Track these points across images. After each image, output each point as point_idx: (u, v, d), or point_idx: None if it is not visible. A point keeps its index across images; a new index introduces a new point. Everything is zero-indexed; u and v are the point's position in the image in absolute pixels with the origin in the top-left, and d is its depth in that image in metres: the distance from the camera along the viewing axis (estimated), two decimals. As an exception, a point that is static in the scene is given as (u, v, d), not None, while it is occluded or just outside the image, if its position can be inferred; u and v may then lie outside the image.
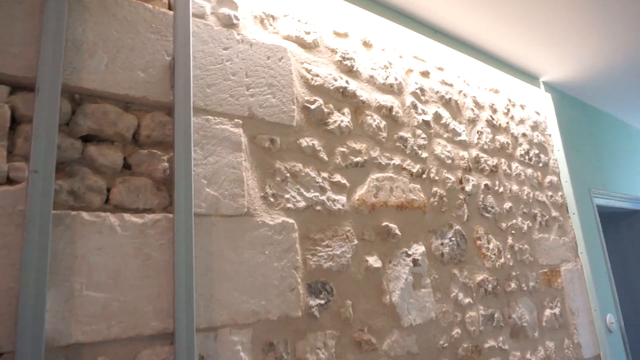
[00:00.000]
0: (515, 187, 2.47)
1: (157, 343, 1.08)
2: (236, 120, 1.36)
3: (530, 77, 2.89)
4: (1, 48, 1.01)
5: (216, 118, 1.31)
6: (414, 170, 1.87)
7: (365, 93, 1.79)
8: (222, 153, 1.29)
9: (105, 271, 1.04)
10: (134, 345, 1.05)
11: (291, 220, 1.39)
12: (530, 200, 2.55)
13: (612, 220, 4.00)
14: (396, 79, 1.95)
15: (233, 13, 1.46)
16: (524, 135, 2.71)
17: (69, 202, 1.04)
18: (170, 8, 1.32)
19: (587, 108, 3.47)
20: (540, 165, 2.76)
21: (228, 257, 1.23)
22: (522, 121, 2.74)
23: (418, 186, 1.87)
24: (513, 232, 2.33)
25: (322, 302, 1.40)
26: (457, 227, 1.99)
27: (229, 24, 1.44)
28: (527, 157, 2.66)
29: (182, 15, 1.29)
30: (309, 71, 1.61)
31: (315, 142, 1.54)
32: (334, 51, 1.73)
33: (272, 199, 1.37)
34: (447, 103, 2.20)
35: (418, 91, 2.05)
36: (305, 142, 1.51)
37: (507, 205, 2.36)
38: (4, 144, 0.98)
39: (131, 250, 1.08)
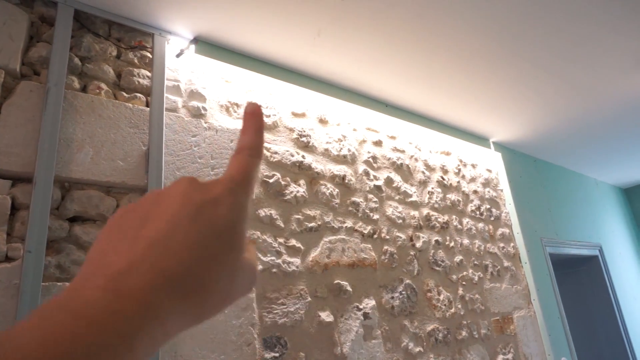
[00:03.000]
0: (466, 241, 2.72)
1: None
2: (202, 197, 1.59)
3: (480, 139, 3.21)
4: (5, 150, 1.25)
5: (184, 196, 1.55)
6: (365, 231, 2.12)
7: (320, 165, 2.06)
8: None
9: (84, 333, 1.24)
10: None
11: (249, 282, 1.61)
12: (482, 252, 2.80)
13: (570, 266, 4.25)
14: (349, 150, 2.22)
15: (201, 105, 1.73)
16: (475, 192, 2.99)
17: (56, 274, 1.25)
18: (147, 105, 1.59)
19: (538, 162, 3.79)
20: (492, 219, 3.03)
21: (192, 317, 1.43)
22: (473, 179, 3.03)
23: (369, 245, 2.11)
24: (464, 283, 2.56)
25: (277, 354, 1.60)
26: (408, 281, 2.22)
27: (197, 114, 1.71)
28: (478, 212, 2.93)
29: (157, 110, 1.56)
30: (268, 150, 1.88)
31: (273, 212, 1.79)
32: (292, 130, 2.01)
33: (232, 264, 1.59)
34: (398, 168, 2.48)
35: (370, 159, 2.33)
36: (263, 212, 1.76)
37: (458, 258, 2.60)
38: (4, 228, 1.20)
39: (107, 314, 1.28)
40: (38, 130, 1.32)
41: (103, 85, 1.51)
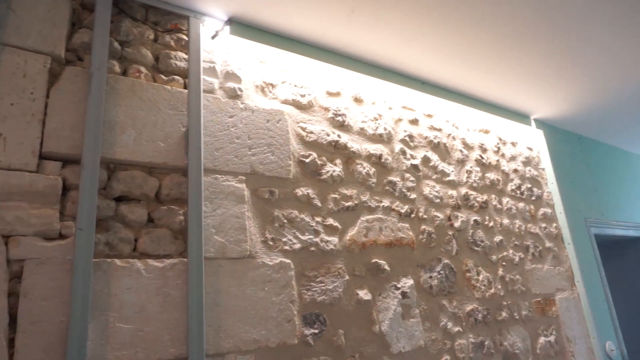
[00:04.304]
0: (506, 221, 2.65)
1: (174, 366, 1.31)
2: (240, 177, 1.62)
3: (520, 116, 3.10)
4: (55, 133, 1.31)
5: (223, 176, 1.58)
6: (403, 211, 2.10)
7: (356, 144, 2.04)
8: (228, 205, 1.55)
9: (132, 307, 1.29)
10: (155, 367, 1.28)
11: (288, 261, 1.63)
12: (523, 232, 2.73)
13: (617, 248, 4.08)
14: (385, 129, 2.20)
15: (237, 86, 1.74)
16: (515, 171, 2.90)
17: (105, 251, 1.31)
18: (185, 87, 1.61)
19: (583, 140, 3.63)
20: (533, 198, 2.94)
21: (233, 294, 1.47)
22: (513, 158, 2.94)
23: (407, 225, 2.09)
24: (504, 263, 2.50)
25: (316, 331, 1.62)
26: (446, 261, 2.19)
27: (234, 95, 1.72)
28: (518, 192, 2.84)
29: (194, 92, 1.58)
30: (304, 129, 1.88)
31: (310, 191, 1.79)
32: (327, 109, 2.00)
33: (271, 243, 1.62)
34: (435, 147, 2.43)
35: (407, 138, 2.29)
36: (300, 191, 1.76)
37: (498, 238, 2.54)
38: (57, 207, 1.26)
39: (153, 290, 1.33)
40: (84, 113, 1.37)
41: (142, 69, 1.55)
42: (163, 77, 1.59)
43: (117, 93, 1.45)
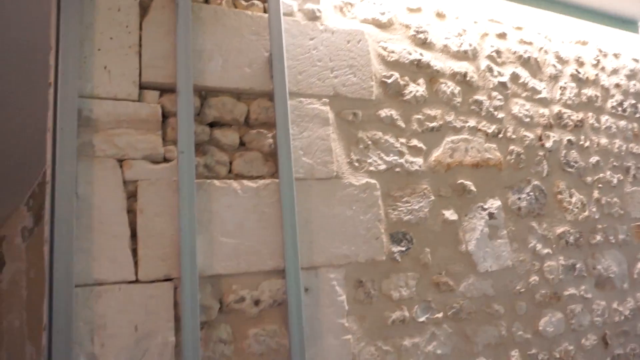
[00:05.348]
0: (604, 141, 2.45)
1: (273, 277, 1.42)
2: (324, 99, 1.63)
3: (625, 22, 2.74)
4: (151, 63, 1.38)
5: (307, 99, 1.59)
6: (490, 131, 2.00)
7: (439, 62, 1.94)
8: (313, 128, 1.58)
9: (232, 223, 1.40)
10: (256, 277, 1.40)
11: (374, 181, 1.65)
12: (623, 153, 2.51)
13: None
14: (470, 45, 2.06)
15: (316, 7, 1.70)
16: (617, 86, 2.62)
17: (205, 173, 1.40)
18: (265, 11, 1.60)
19: (701, 48, 3.17)
20: (637, 115, 2.66)
21: (322, 212, 1.53)
22: (615, 71, 2.65)
23: (494, 145, 2.00)
24: (600, 185, 2.34)
25: (403, 249, 1.66)
26: (536, 182, 2.09)
27: (313, 17, 1.69)
28: (620, 109, 2.59)
29: (274, 16, 1.57)
30: (385, 49, 1.81)
31: (393, 112, 1.76)
32: (407, 27, 1.91)
33: (356, 164, 1.64)
34: (525, 62, 2.25)
35: (494, 54, 2.14)
36: (384, 113, 1.74)
37: (594, 159, 2.37)
38: (159, 133, 1.36)
39: (250, 207, 1.42)
40: (174, 43, 1.42)
41: (223, -5, 1.55)
42: (243, 2, 1.59)
43: (202, 21, 1.48)
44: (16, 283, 2.03)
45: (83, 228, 1.21)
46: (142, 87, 1.37)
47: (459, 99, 1.95)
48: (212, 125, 1.46)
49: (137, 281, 1.26)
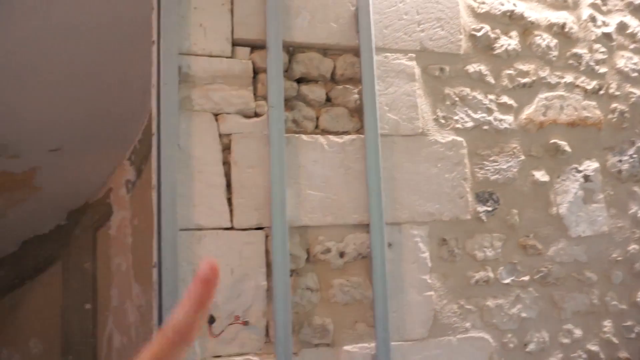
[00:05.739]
0: None
1: (357, 230, 1.46)
2: (410, 54, 1.59)
3: None
4: (242, 20, 1.42)
5: (393, 54, 1.57)
6: (589, 87, 1.85)
7: (535, 13, 1.81)
8: (399, 84, 1.56)
9: (319, 177, 1.43)
10: (342, 230, 1.44)
11: (460, 139, 1.61)
12: None
13: None
14: (571, -7, 1.89)
15: (403, -43, 1.64)
16: None
17: (293, 128, 1.44)
18: (351, -36, 1.57)
19: None
20: None
21: (407, 169, 1.53)
22: None
23: (593, 103, 1.85)
24: None
25: (489, 209, 1.61)
26: (641, 143, 1.92)
27: (400, -32, 1.63)
28: None
29: (361, -32, 1.54)
30: (475, 0, 1.72)
31: (482, 67, 1.68)
32: (501, -25, 1.78)
33: (442, 121, 1.60)
34: (636, 9, 2.02)
35: (598, 1, 1.94)
36: (472, 68, 1.67)
37: None
38: (251, 89, 1.41)
39: (336, 162, 1.45)
40: (263, 1, 1.44)
41: (310, -50, 1.54)
42: (329, -44, 1.57)
43: (289, -23, 1.49)
44: (122, 230, 2.27)
45: (185, 177, 1.31)
46: (234, 43, 1.42)
47: (554, 53, 1.82)
48: (299, 81, 1.49)
49: (232, 228, 1.35)
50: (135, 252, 2.07)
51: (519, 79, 1.73)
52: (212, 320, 1.29)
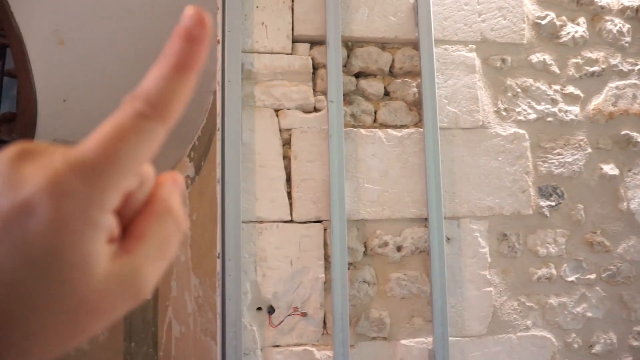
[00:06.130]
0: None
1: (415, 224, 1.45)
2: (470, 45, 1.55)
3: None
4: (302, 17, 1.45)
5: (453, 46, 1.54)
6: (665, 75, 1.73)
7: (605, -3, 1.71)
8: (459, 76, 1.53)
9: (377, 171, 1.44)
10: (399, 224, 1.45)
11: (522, 131, 1.56)
12: None
13: None
14: (646, -26, 1.77)
15: (464, -55, 1.60)
16: None
17: (351, 122, 1.46)
18: (410, -45, 1.56)
19: None
20: None
21: (466, 162, 1.50)
22: None
23: (669, 92, 1.74)
24: None
25: (553, 203, 1.56)
26: None
27: (460, -43, 1.59)
28: None
29: (420, -41, 1.52)
30: (539, -14, 1.65)
31: (546, 57, 1.62)
32: (568, -41, 1.70)
33: (504, 113, 1.56)
34: None
35: (676, -17, 1.81)
36: (535, 57, 1.61)
37: None
38: (310, 84, 1.44)
39: (394, 156, 1.45)
40: (322, -4, 1.46)
41: (368, -57, 1.54)
42: (387, -52, 1.56)
43: (347, -29, 1.50)
44: (182, 223, 2.37)
45: (247, 171, 1.36)
46: (295, 40, 1.45)
47: (627, 39, 1.71)
48: (358, 75, 1.50)
49: (291, 221, 1.39)
50: (194, 246, 2.17)
51: (587, 67, 1.65)
52: (271, 310, 1.34)
